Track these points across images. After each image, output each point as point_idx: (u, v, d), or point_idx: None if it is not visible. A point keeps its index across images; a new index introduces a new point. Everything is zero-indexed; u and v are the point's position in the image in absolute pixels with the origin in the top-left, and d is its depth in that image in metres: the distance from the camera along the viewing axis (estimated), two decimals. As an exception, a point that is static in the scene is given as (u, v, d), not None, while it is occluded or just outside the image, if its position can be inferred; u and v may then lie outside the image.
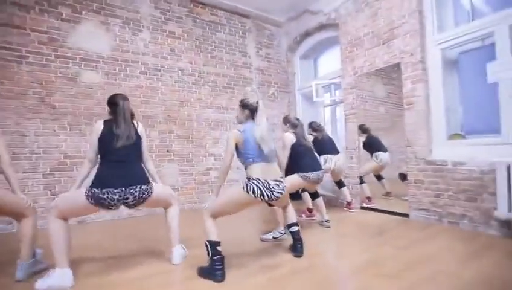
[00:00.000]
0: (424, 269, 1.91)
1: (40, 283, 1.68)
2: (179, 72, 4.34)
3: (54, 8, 3.49)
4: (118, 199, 1.86)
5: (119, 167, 1.91)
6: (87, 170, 1.97)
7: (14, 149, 3.18)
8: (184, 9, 4.42)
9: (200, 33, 4.54)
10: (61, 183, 3.43)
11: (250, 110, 2.06)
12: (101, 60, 3.75)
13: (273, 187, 1.97)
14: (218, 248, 1.89)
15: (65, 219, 1.87)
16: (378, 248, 2.34)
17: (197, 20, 4.53)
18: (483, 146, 2.82)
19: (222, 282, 1.81)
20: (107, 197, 1.83)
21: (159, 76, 4.19)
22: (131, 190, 1.89)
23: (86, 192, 1.83)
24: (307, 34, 4.99)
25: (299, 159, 2.84)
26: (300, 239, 2.24)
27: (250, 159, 2.01)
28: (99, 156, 1.96)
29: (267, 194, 1.94)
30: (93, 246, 2.59)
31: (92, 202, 1.82)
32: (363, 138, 4.06)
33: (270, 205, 2.67)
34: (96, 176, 1.88)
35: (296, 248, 2.22)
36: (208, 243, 1.91)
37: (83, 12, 3.67)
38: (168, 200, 2.19)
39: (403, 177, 3.86)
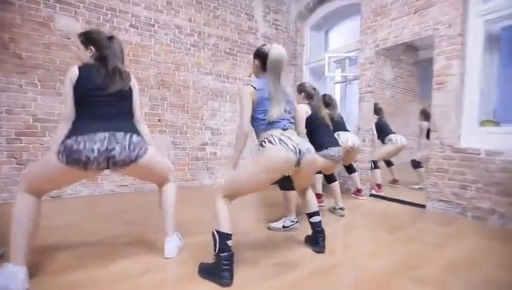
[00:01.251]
0: (469, 274, 1.56)
1: None
2: (176, 30, 3.71)
3: None
4: (99, 151, 1.34)
5: (105, 120, 1.42)
6: (64, 132, 1.40)
7: None
8: (184, -46, 3.71)
9: (201, -14, 3.88)
10: (30, 151, 2.86)
11: (263, 60, 1.65)
12: (81, 5, 3.07)
13: (299, 146, 1.57)
14: (229, 242, 1.45)
15: (37, 194, 1.37)
16: (406, 245, 1.98)
17: (200, -30, 3.85)
18: (524, 135, 2.46)
19: (229, 286, 1.39)
20: (85, 147, 1.32)
21: (152, 32, 3.54)
22: (119, 137, 1.40)
23: (57, 150, 1.33)
24: (322, 0, 4.39)
25: (316, 134, 2.40)
26: (322, 232, 1.83)
27: (263, 126, 1.60)
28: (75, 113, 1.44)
29: (297, 150, 1.54)
30: (67, 230, 2.11)
31: (64, 159, 1.31)
32: (374, 120, 3.65)
33: (283, 187, 2.24)
34: (71, 128, 1.39)
35: (318, 243, 1.82)
36: (216, 234, 1.46)
37: None
38: (164, 173, 1.68)
39: (416, 164, 3.53)
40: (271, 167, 1.49)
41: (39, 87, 2.89)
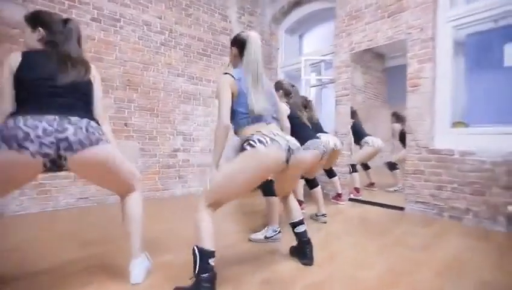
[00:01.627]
0: (462, 277, 1.50)
1: None
2: (144, 26, 3.43)
3: None
4: (45, 131, 1.07)
5: (55, 111, 1.15)
6: None
7: None
8: None
9: (172, -18, 3.65)
10: None
11: (241, 47, 1.51)
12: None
13: (290, 143, 1.42)
14: (211, 261, 1.24)
15: None
16: (393, 250, 1.90)
17: (170, -35, 3.62)
18: (493, 136, 2.54)
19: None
20: (25, 124, 1.05)
21: (118, 28, 3.24)
22: (73, 120, 1.15)
23: None
24: (297, 4, 4.37)
25: (298, 133, 2.27)
26: (309, 242, 1.68)
27: (244, 120, 1.44)
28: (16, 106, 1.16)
29: (288, 147, 1.39)
30: (8, 256, 1.75)
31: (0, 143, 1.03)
32: (350, 123, 3.65)
33: (267, 193, 2.06)
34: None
35: (305, 254, 1.66)
36: (197, 251, 1.24)
37: None
38: (127, 179, 1.40)
39: (392, 166, 3.56)
40: (262, 168, 1.32)
41: None
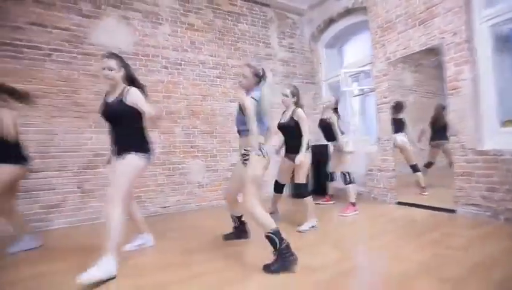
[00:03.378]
0: (489, 272, 1.61)
1: None
2: (200, 65, 4.15)
3: (74, 4, 3.37)
4: None
5: None
6: None
7: (42, 148, 3.11)
8: (203, 0, 4.20)
9: (221, 24, 4.32)
10: (92, 181, 3.34)
11: (259, 80, 2.06)
12: (123, 56, 3.60)
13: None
14: (281, 234, 1.78)
15: None
16: (429, 248, 2.04)
17: (217, 12, 4.31)
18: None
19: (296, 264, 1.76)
20: None
21: (180, 70, 4.01)
22: None
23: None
24: (331, 21, 4.64)
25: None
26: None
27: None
28: None
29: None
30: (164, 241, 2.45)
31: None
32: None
33: (300, 196, 2.71)
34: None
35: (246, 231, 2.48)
36: (272, 234, 1.74)
37: (102, 7, 3.52)
38: (114, 184, 1.97)
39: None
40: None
41: (93, 127, 3.40)
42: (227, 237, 2.47)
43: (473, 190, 2.82)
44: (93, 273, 1.63)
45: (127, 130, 2.00)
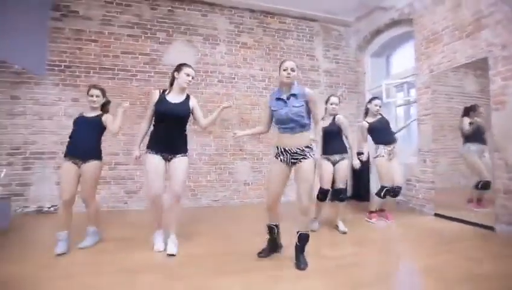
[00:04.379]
0: (483, 278, 1.70)
1: None
2: (251, 78, 4.68)
3: (153, 34, 4.22)
4: None
5: None
6: None
7: (127, 146, 4.00)
8: (255, 20, 4.72)
9: (269, 41, 4.78)
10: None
11: None
12: (187, 73, 4.35)
13: None
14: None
15: None
16: (444, 256, 2.15)
17: (267, 30, 4.78)
18: None
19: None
20: None
21: (234, 83, 4.60)
22: None
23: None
24: (378, 32, 4.69)
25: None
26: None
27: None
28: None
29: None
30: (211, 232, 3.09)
31: None
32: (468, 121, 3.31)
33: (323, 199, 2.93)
34: None
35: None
36: (309, 233, 2.04)
37: (174, 35, 4.32)
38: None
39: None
40: None
41: (163, 132, 4.21)
42: (263, 255, 2.16)
43: (515, 209, 2.71)
44: (172, 248, 2.19)
45: (183, 132, 2.31)
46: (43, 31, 3.78)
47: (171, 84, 2.36)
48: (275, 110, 2.05)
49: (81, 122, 2.42)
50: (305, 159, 1.97)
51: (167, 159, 2.28)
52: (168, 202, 2.29)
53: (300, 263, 1.96)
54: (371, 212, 3.27)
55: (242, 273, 1.88)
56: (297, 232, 2.02)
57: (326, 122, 2.96)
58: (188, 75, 2.30)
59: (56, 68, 3.87)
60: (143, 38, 4.18)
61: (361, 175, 4.48)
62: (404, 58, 4.59)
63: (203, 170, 4.37)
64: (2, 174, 3.58)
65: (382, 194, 3.16)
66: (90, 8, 4.02)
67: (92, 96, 2.42)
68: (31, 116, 3.77)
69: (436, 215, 3.50)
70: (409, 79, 4.13)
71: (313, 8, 4.75)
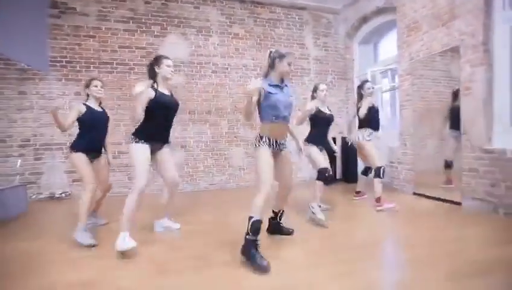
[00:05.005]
0: (456, 251, 2.02)
1: None
2: (243, 68, 4.88)
3: (148, 28, 4.41)
4: None
5: None
6: None
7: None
8: (246, 11, 4.86)
9: (260, 31, 4.94)
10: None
11: None
12: (182, 65, 4.57)
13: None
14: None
15: None
16: (410, 229, 2.47)
17: (257, 20, 4.93)
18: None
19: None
20: None
21: (227, 73, 4.81)
22: None
23: None
24: (365, 19, 4.83)
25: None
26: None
27: None
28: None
29: None
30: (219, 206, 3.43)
31: None
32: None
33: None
34: None
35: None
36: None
37: (168, 28, 4.50)
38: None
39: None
40: None
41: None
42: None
43: (477, 186, 3.00)
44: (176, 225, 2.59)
45: (172, 122, 2.38)
46: (44, 28, 3.98)
47: (152, 77, 2.26)
48: (272, 94, 1.92)
49: (99, 118, 2.54)
50: (286, 147, 2.12)
51: (155, 150, 2.29)
52: (169, 190, 2.49)
53: (288, 229, 2.29)
54: (378, 199, 3.10)
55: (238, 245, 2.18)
56: (282, 211, 2.32)
57: (324, 110, 3.00)
58: (169, 66, 2.27)
59: (58, 64, 4.10)
60: (138, 32, 4.37)
61: (349, 158, 4.78)
62: (390, 45, 4.74)
63: (200, 156, 4.68)
64: (18, 164, 3.91)
65: (382, 174, 3.12)
66: (87, 4, 4.20)
67: (96, 86, 2.52)
68: (37, 110, 4.05)
69: (415, 194, 3.81)
70: (393, 66, 4.32)
71: (302, -3, 4.88)
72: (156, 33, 4.45)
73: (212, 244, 2.21)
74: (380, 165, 3.17)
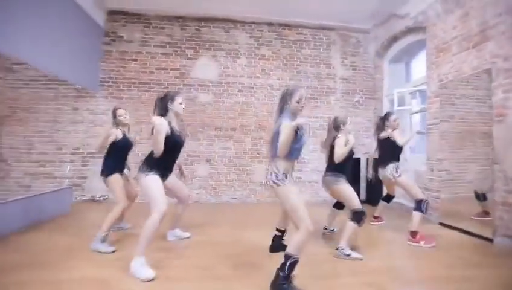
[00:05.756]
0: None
1: None
2: (268, 88, 5.06)
3: (182, 52, 4.86)
4: None
5: None
6: None
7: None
8: (273, 33, 5.08)
9: (287, 52, 5.11)
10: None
11: None
12: (210, 84, 4.91)
13: None
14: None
15: None
16: (430, 263, 2.33)
17: (284, 41, 5.11)
18: None
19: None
20: None
21: (253, 93, 5.03)
22: None
23: None
24: (395, 39, 4.71)
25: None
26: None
27: None
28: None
29: None
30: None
31: None
32: None
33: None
34: None
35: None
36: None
37: (200, 51, 4.90)
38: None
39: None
40: None
41: (189, 136, 4.82)
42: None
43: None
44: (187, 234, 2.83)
45: None
46: (98, 54, 4.65)
47: (163, 113, 2.22)
48: (301, 136, 1.88)
49: (128, 143, 2.81)
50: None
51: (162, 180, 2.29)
52: (183, 205, 2.82)
53: None
54: (414, 233, 2.80)
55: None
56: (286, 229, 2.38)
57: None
58: (181, 103, 2.31)
59: (106, 84, 4.71)
60: (173, 55, 4.84)
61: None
62: (422, 65, 4.54)
63: (223, 171, 4.90)
64: (67, 170, 4.53)
65: (424, 208, 2.82)
66: (132, 32, 4.79)
67: (121, 115, 2.76)
68: (87, 123, 4.67)
69: (441, 224, 3.53)
70: (420, 88, 4.13)
71: (329, 19, 4.95)
72: (189, 56, 4.87)
73: (218, 257, 2.36)
74: (421, 198, 2.85)
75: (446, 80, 3.54)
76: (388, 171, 3.07)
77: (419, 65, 4.77)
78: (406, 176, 3.08)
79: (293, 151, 1.87)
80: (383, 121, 3.23)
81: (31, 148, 4.61)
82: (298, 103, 1.93)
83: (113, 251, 2.43)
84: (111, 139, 2.68)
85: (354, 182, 4.76)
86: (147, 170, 2.16)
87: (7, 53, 3.15)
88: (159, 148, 2.07)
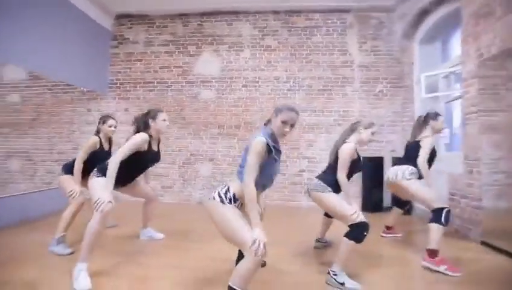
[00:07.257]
0: None
1: None
2: (275, 81, 4.53)
3: (185, 48, 4.62)
4: None
5: None
6: None
7: (161, 147, 4.53)
8: (279, 22, 4.53)
9: (295, 41, 4.51)
10: (188, 173, 4.55)
11: None
12: (213, 80, 4.58)
13: None
14: None
15: None
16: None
17: (292, 29, 4.52)
18: None
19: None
20: None
21: (257, 87, 4.55)
22: None
23: None
24: (424, 13, 3.78)
25: None
26: None
27: None
28: None
29: None
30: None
31: None
32: None
33: None
34: None
35: None
36: None
37: (202, 46, 4.60)
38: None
39: None
40: None
41: (192, 135, 4.56)
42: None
43: None
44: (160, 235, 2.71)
45: None
46: (106, 57, 4.68)
47: (143, 129, 2.19)
48: (273, 161, 1.52)
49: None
50: None
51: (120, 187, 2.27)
52: (150, 204, 2.70)
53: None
54: (432, 252, 2.06)
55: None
56: None
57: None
58: (165, 120, 2.25)
59: (114, 86, 4.72)
60: (176, 53, 4.63)
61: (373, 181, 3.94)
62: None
63: (227, 170, 4.52)
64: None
65: (445, 219, 2.08)
66: (137, 33, 4.72)
67: (111, 126, 2.69)
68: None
69: (483, 243, 2.61)
70: (455, 69, 3.19)
71: (343, -1, 4.23)
72: (191, 52, 4.61)
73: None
74: (440, 206, 2.13)
75: (488, 55, 2.62)
76: (400, 173, 2.36)
77: (456, 44, 3.77)
78: (417, 184, 2.31)
79: (262, 178, 1.45)
80: (425, 121, 2.47)
81: (52, 148, 4.84)
82: (284, 123, 1.49)
83: (71, 253, 2.23)
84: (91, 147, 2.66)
85: (376, 185, 4.00)
86: (100, 174, 2.02)
87: (20, 65, 3.39)
88: (121, 158, 1.97)
